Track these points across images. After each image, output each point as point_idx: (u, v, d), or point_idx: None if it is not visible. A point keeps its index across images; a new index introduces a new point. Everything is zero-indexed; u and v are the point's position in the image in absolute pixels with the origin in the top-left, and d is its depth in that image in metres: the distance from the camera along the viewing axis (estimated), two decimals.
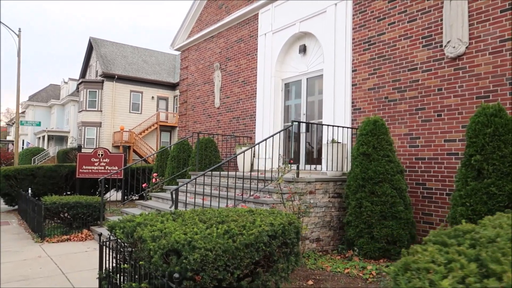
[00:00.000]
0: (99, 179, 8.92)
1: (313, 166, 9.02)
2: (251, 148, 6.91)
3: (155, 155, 33.21)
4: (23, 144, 44.88)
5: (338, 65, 8.41)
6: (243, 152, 6.88)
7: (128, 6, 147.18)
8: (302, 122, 7.88)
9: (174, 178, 10.29)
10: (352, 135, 8.06)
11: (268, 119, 10.28)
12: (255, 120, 10.81)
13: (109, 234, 4.34)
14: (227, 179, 7.93)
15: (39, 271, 5.93)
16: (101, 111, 32.97)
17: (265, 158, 9.93)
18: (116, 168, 12.90)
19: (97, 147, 13.69)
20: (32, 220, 9.42)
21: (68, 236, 8.25)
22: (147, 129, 33.32)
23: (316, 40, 9.25)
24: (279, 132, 7.40)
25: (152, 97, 34.75)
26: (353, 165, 6.49)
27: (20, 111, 37.63)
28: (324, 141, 8.23)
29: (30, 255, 6.95)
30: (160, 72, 36.29)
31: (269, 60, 10.37)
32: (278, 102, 10.28)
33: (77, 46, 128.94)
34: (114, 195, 15.59)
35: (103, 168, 12.87)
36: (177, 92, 35.47)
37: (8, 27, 16.47)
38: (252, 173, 9.78)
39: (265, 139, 7.05)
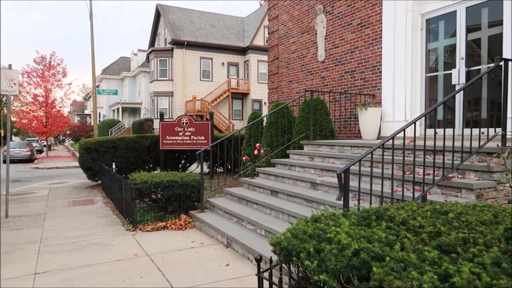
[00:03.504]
0: (197, 152, 7.18)
1: (481, 130, 6.43)
2: (429, 113, 4.52)
3: (230, 123, 31.85)
4: (99, 117, 46.12)
5: None
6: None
7: None
8: None
9: (284, 149, 8.24)
10: None
11: (403, 70, 7.73)
12: (380, 72, 8.30)
13: (278, 259, 2.34)
14: (377, 154, 5.66)
15: (140, 282, 4.25)
16: (172, 80, 32.02)
17: (400, 122, 7.54)
18: (203, 137, 11.23)
19: (181, 115, 12.07)
20: (119, 200, 8.03)
21: (164, 223, 6.63)
22: (218, 97, 31.91)
23: None
24: (480, 77, 4.86)
25: (222, 63, 33.05)
26: None
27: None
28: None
29: (123, 251, 5.37)
30: (229, 36, 34.31)
31: None
32: (417, 46, 7.66)
33: (143, 18, 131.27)
34: (197, 168, 14.15)
35: (188, 138, 11.26)
36: (247, 57, 33.46)
37: None
38: (379, 141, 7.45)
39: (450, 98, 4.63)
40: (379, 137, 8.07)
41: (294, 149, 8.28)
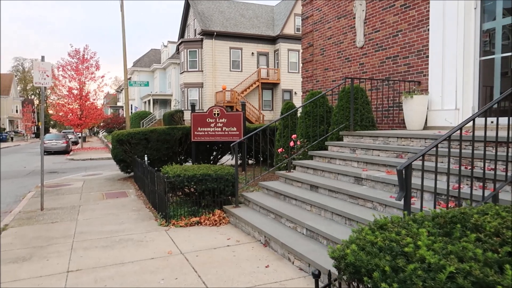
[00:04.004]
0: (231, 144, 6.86)
1: None
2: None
3: (260, 114, 31.48)
4: (131, 109, 46.86)
5: None
6: None
7: None
8: None
9: (322, 141, 7.80)
10: None
11: (454, 53, 7.06)
12: (426, 57, 7.66)
13: (339, 275, 1.95)
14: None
15: (175, 284, 3.98)
16: (202, 71, 31.94)
17: (450, 110, 6.92)
18: (235, 129, 10.90)
19: (212, 106, 11.78)
20: (151, 193, 7.87)
21: (197, 218, 6.37)
22: (248, 88, 31.58)
23: None
24: None
25: (252, 53, 32.61)
26: None
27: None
28: None
29: (157, 248, 5.14)
30: (258, 25, 33.78)
31: None
32: (470, 27, 6.97)
33: (173, 9, 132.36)
34: (228, 160, 13.93)
35: (220, 129, 10.96)
36: (277, 46, 32.86)
37: None
38: (426, 131, 6.86)
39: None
40: (425, 127, 7.47)
41: (332, 140, 7.83)
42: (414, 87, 7.82)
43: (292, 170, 7.06)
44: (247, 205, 6.60)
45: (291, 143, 7.80)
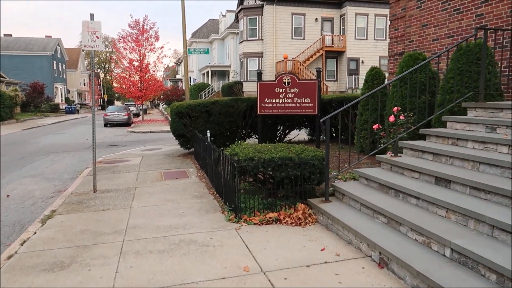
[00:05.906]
0: (321, 120, 5.33)
1: None
2: None
3: (323, 85, 29.17)
4: (190, 81, 46.51)
5: None
6: None
7: None
8: None
9: (441, 114, 5.96)
10: None
11: None
12: None
13: None
14: None
15: None
16: (262, 40, 30.17)
17: None
18: (308, 100, 9.25)
19: (282, 73, 10.23)
20: (215, 175, 6.62)
21: (275, 214, 4.97)
22: (311, 57, 29.38)
23: None
24: None
25: (316, 19, 30.12)
26: None
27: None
28: None
29: (228, 259, 3.81)
30: None
31: None
32: None
33: None
34: (297, 136, 12.43)
35: (290, 100, 9.38)
36: (343, 10, 30.07)
37: None
38: None
39: None
40: None
41: (444, 114, 5.97)
42: None
43: (400, 155, 5.36)
44: (341, 199, 5.06)
45: (390, 118, 6.03)
